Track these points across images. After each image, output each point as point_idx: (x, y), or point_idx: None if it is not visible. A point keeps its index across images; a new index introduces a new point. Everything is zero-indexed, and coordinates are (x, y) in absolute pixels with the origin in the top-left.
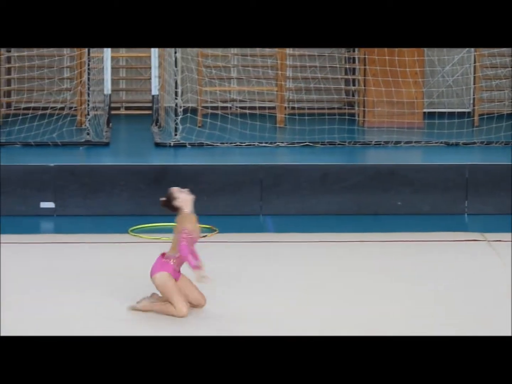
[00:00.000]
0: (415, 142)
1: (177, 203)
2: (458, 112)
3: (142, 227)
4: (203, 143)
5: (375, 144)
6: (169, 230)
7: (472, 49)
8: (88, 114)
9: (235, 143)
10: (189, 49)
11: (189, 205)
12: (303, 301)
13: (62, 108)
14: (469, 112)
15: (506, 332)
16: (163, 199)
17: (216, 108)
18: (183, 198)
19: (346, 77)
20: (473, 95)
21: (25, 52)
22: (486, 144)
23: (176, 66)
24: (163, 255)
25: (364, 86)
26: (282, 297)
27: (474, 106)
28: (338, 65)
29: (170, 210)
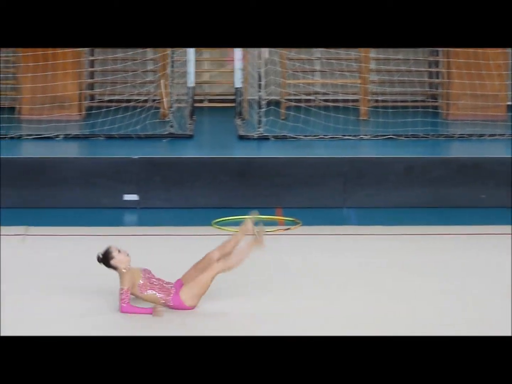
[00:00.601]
0: (499, 135)
1: (113, 262)
2: None
3: (225, 220)
4: (286, 135)
5: (458, 137)
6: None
7: None
8: (172, 107)
9: (318, 136)
10: None
11: (125, 263)
12: (380, 297)
13: (145, 101)
14: None
15: None
16: (100, 256)
17: (299, 101)
18: (119, 258)
19: (429, 70)
20: None
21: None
22: None
23: (259, 59)
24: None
25: (448, 79)
26: (360, 292)
27: None
28: (421, 58)
29: (107, 267)
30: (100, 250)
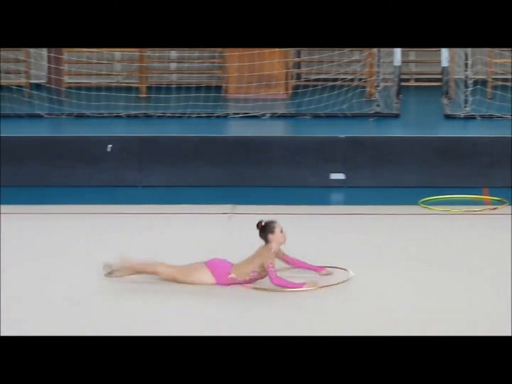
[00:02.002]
0: None
1: (270, 236)
2: None
3: (432, 199)
4: (493, 115)
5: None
6: (460, 202)
7: None
8: (378, 86)
9: None
10: None
11: (279, 244)
12: None
13: (352, 80)
14: None
15: None
16: (262, 223)
17: (506, 80)
18: (278, 236)
19: None
20: None
21: None
22: None
23: None
24: (229, 267)
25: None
26: None
27: None
28: None
29: (259, 236)
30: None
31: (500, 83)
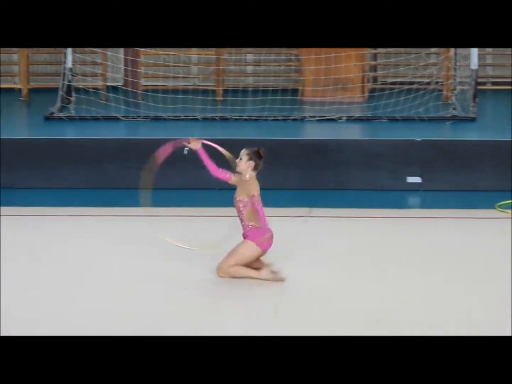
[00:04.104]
0: None
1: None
2: None
3: (509, 203)
4: None
5: None
6: None
7: None
8: (455, 89)
9: None
10: None
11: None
12: None
13: (428, 83)
14: None
15: None
16: (257, 150)
17: None
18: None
19: None
20: None
21: None
22: None
23: None
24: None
25: None
26: None
27: None
28: None
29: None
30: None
31: None
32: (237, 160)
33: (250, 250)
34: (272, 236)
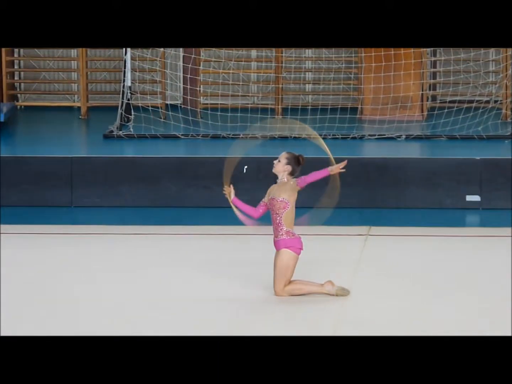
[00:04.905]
0: None
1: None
2: None
3: None
4: None
5: None
6: None
7: None
8: None
9: None
10: None
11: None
12: None
13: (487, 102)
14: None
15: None
16: (297, 155)
17: None
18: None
19: None
20: None
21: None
22: None
23: None
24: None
25: None
26: None
27: None
28: None
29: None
30: None
31: None
32: (275, 161)
33: (291, 259)
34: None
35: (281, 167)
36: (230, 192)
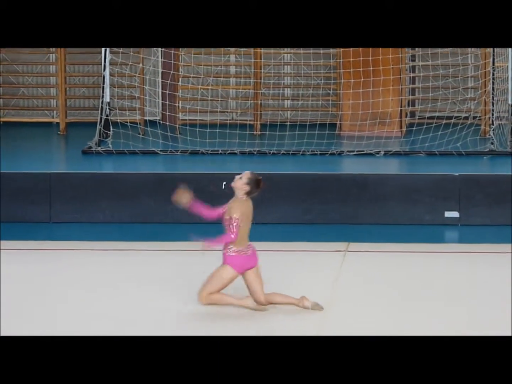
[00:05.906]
0: None
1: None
2: None
3: None
4: None
5: None
6: None
7: None
8: (493, 124)
9: None
10: None
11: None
12: None
13: (466, 118)
14: None
15: None
16: (257, 177)
17: None
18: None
19: None
20: None
21: (429, 61)
22: None
23: None
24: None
25: None
26: None
27: None
28: None
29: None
30: None
31: None
32: (237, 177)
33: (228, 275)
34: (254, 252)
35: (240, 185)
36: (183, 195)
